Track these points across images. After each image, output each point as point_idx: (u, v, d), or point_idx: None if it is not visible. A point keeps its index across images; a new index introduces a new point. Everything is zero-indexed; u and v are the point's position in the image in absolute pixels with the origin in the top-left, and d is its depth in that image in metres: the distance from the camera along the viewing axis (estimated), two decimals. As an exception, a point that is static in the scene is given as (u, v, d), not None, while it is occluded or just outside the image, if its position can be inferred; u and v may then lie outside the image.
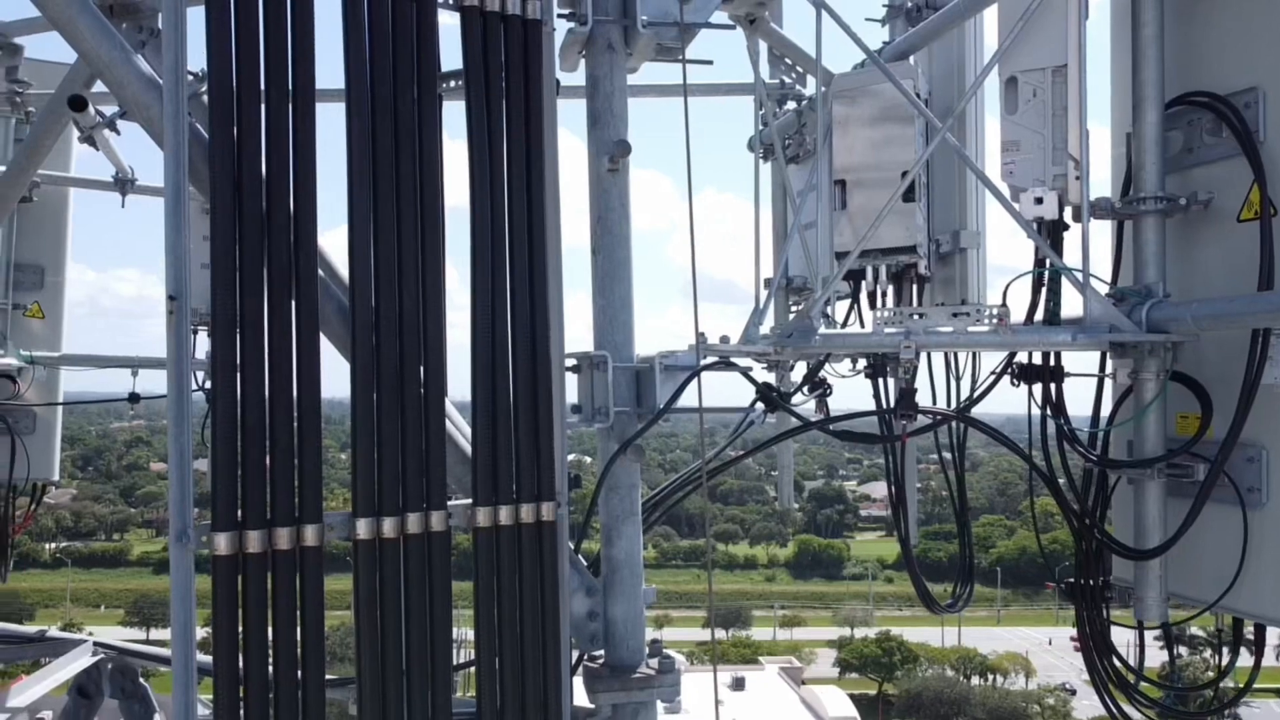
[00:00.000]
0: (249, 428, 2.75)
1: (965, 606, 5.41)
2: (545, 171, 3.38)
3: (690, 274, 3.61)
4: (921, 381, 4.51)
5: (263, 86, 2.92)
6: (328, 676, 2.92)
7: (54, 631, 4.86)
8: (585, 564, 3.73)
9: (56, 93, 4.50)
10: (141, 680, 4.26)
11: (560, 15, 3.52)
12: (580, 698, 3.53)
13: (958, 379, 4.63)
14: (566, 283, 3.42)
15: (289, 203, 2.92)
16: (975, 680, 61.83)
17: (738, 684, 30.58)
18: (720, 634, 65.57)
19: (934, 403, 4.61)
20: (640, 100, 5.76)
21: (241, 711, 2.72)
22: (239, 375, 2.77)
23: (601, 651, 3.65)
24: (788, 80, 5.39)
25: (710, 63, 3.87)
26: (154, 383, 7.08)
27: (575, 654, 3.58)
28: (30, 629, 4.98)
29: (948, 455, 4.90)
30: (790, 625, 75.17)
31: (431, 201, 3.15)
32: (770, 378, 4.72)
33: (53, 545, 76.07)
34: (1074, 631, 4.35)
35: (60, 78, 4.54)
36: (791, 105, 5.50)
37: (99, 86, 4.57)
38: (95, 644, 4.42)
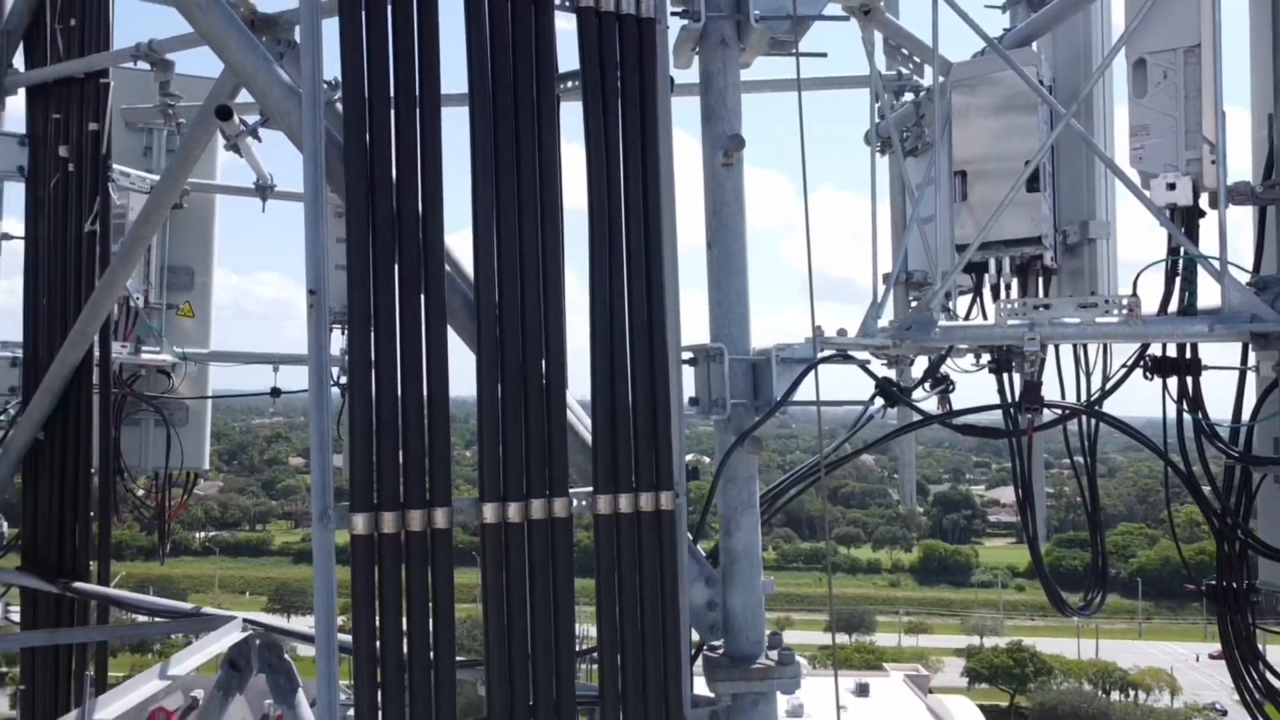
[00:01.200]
0: (383, 417, 2.91)
1: (1098, 611, 5.21)
2: (660, 168, 3.44)
3: (807, 271, 3.62)
4: (1049, 377, 4.39)
5: (392, 93, 3.08)
6: (458, 658, 3.05)
7: (207, 609, 5.22)
8: (704, 554, 3.77)
9: (204, 104, 4.82)
10: (286, 656, 4.51)
11: (673, 13, 3.58)
12: (700, 686, 3.57)
13: (1088, 374, 4.47)
14: (683, 278, 3.48)
15: (418, 203, 3.07)
16: (1115, 695, 59.02)
17: (861, 690, 30.10)
18: (843, 639, 64.50)
19: (1062, 397, 4.47)
20: (755, 97, 5.77)
21: (378, 685, 2.88)
22: (373, 368, 2.93)
23: (720, 641, 3.69)
24: (904, 71, 5.31)
25: (824, 55, 3.87)
26: (293, 380, 7.49)
27: (695, 642, 3.62)
28: (185, 605, 5.36)
29: (1079, 460, 4.73)
30: (915, 632, 73.34)
31: (551, 200, 3.26)
32: (890, 374, 4.66)
33: (202, 534, 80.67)
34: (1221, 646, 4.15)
35: (207, 90, 4.87)
36: (909, 96, 5.41)
37: (242, 97, 4.88)
38: (244, 620, 4.73)
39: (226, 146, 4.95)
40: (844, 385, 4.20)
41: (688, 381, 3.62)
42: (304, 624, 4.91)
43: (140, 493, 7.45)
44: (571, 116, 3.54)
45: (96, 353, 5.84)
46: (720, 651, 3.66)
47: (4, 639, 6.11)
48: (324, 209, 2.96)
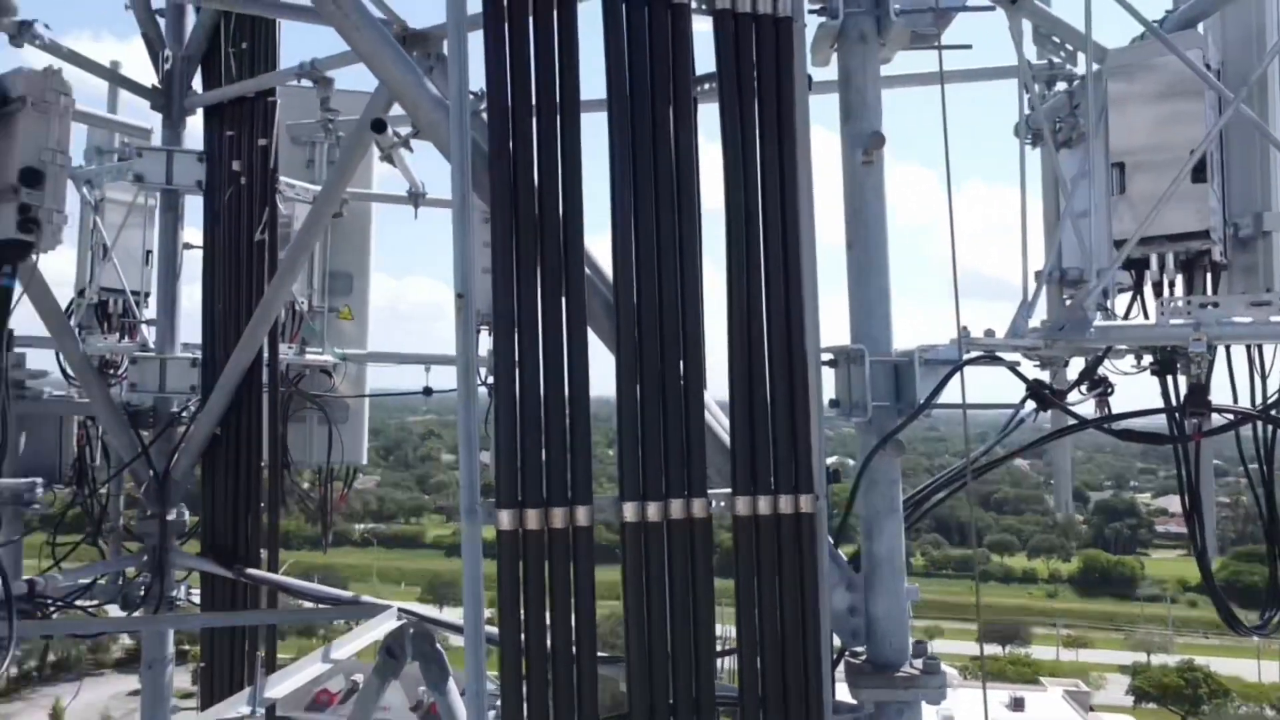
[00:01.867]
0: (526, 416, 3.00)
1: (1278, 630, 4.85)
2: (799, 167, 3.42)
3: (951, 266, 3.52)
4: (1219, 379, 4.12)
5: (534, 101, 3.18)
6: (600, 653, 3.12)
7: (366, 598, 5.50)
8: (845, 559, 3.72)
9: (361, 118, 5.08)
10: (438, 645, 4.70)
11: (811, 10, 3.55)
12: (842, 693, 3.52)
13: (1263, 376, 4.17)
14: (823, 278, 3.44)
15: (559, 208, 3.15)
16: (1300, 721, 54.59)
17: (1016, 704, 28.94)
18: (996, 650, 62.06)
19: (1234, 402, 4.18)
20: (896, 91, 5.64)
21: (523, 677, 2.97)
22: (517, 369, 3.03)
23: (863, 648, 3.63)
24: (1056, 60, 5.07)
25: (969, 47, 3.74)
26: (444, 379, 7.79)
27: (836, 648, 3.58)
28: (346, 594, 5.67)
29: (1255, 468, 4.41)
30: (1075, 646, 69.77)
31: (688, 201, 3.29)
32: (1043, 375, 4.47)
33: (361, 526, 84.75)
34: None
35: (364, 105, 5.13)
36: (1061, 86, 5.17)
37: (395, 110, 5.11)
38: (400, 610, 4.95)
39: (381, 158, 5.21)
40: (996, 387, 4.06)
41: (828, 383, 3.58)
42: (454, 615, 5.11)
43: (304, 485, 7.91)
44: (709, 117, 3.56)
45: (266, 354, 6.24)
46: (863, 658, 3.60)
47: (186, 619, 6.59)
48: (471, 215, 3.07)
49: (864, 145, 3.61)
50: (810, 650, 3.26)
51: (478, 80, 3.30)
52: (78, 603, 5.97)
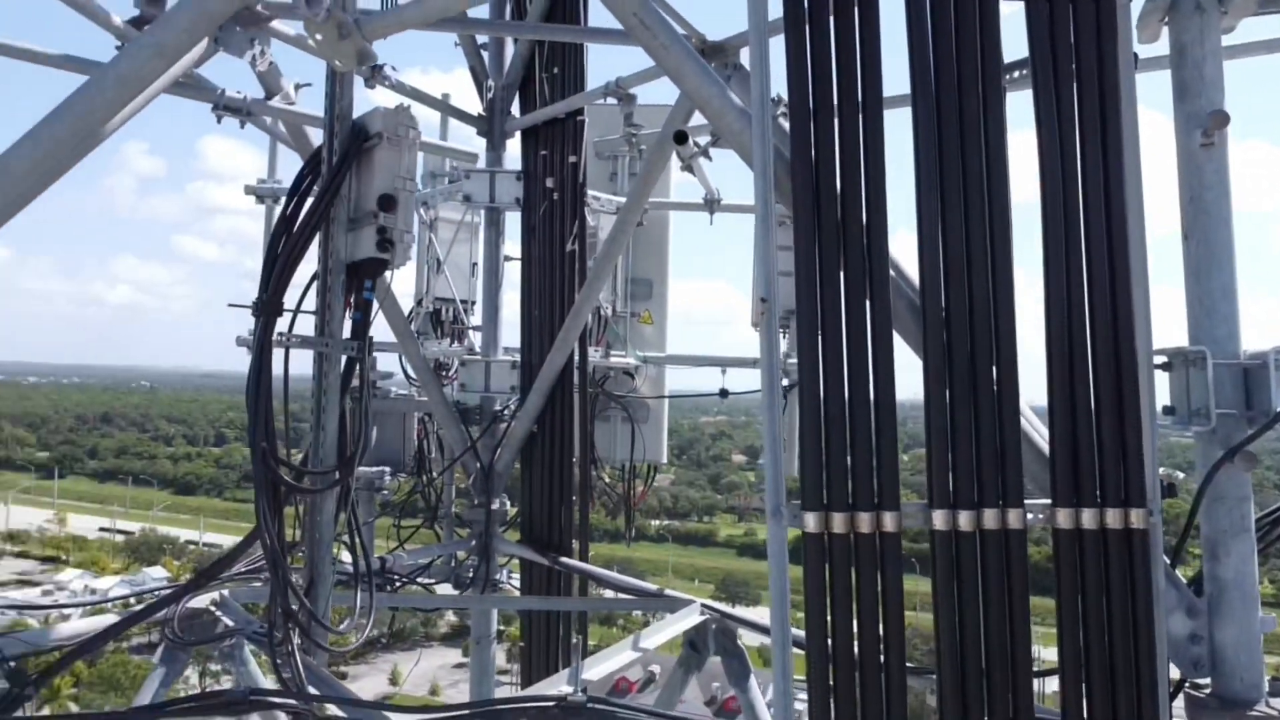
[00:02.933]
0: (831, 419, 2.99)
1: None
2: (1124, 154, 3.15)
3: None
4: None
5: (835, 102, 3.16)
6: (909, 664, 3.05)
7: (670, 591, 5.72)
8: (1184, 581, 3.38)
9: (662, 130, 5.29)
10: (740, 642, 4.80)
11: (1140, -17, 3.26)
12: (1179, 727, 3.21)
13: None
14: (1154, 273, 3.15)
15: (862, 210, 3.12)
16: None
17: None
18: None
19: None
20: (1235, 63, 5.03)
21: (830, 682, 2.97)
22: (821, 371, 3.03)
23: (1207, 680, 3.28)
24: None
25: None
26: (737, 381, 7.91)
27: (1174, 678, 3.26)
28: (651, 586, 5.92)
29: None
30: None
31: (999, 197, 3.13)
32: None
33: (657, 522, 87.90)
34: None
35: (663, 118, 5.34)
36: None
37: (692, 121, 5.27)
38: (702, 605, 5.11)
39: (682, 168, 5.39)
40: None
41: (1161, 388, 3.27)
42: (748, 614, 5.19)
43: (607, 481, 8.34)
44: (1018, 104, 3.38)
45: (576, 357, 6.66)
46: (1207, 691, 3.26)
47: (511, 600, 7.15)
48: (773, 220, 3.11)
49: (1202, 125, 3.27)
50: (1144, 678, 2.99)
51: (776, 85, 3.34)
52: (418, 580, 6.67)
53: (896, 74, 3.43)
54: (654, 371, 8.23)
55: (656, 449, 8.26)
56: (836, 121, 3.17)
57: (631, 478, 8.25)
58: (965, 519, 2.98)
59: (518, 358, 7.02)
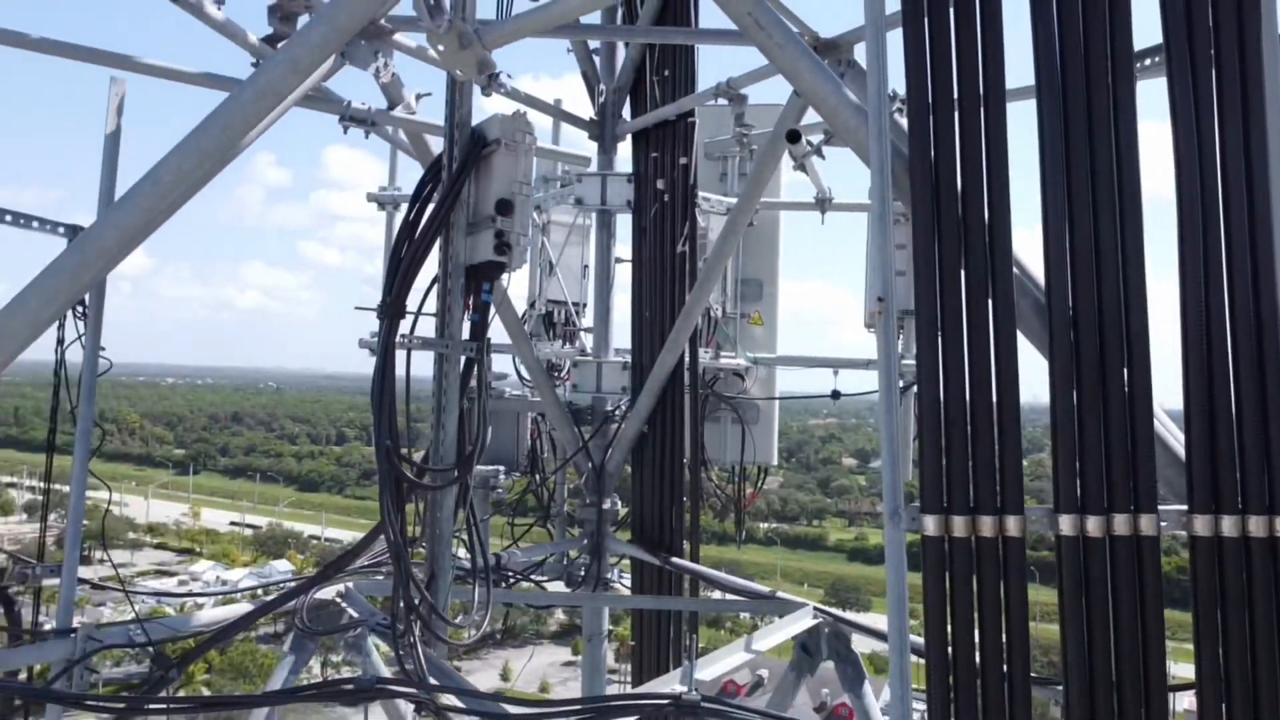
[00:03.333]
0: (952, 420, 2.93)
1: None
2: (1268, 143, 2.99)
3: None
4: None
5: (956, 96, 3.09)
6: (1033, 674, 2.96)
7: (781, 594, 5.67)
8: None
9: (774, 129, 5.25)
10: (854, 648, 4.73)
11: (1289, -42, 3.08)
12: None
13: None
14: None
15: (984, 206, 3.04)
16: None
17: None
18: None
19: None
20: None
21: (950, 690, 2.90)
22: (941, 372, 2.96)
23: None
24: None
25: None
26: (849, 383, 7.79)
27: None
28: (763, 588, 5.89)
29: None
30: None
31: (1130, 190, 3.01)
32: None
33: (766, 525, 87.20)
34: None
35: (773, 118, 5.30)
36: None
37: (804, 120, 5.22)
38: (815, 608, 5.05)
39: (795, 167, 5.34)
40: None
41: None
42: (859, 618, 5.10)
43: (715, 483, 8.32)
44: (1150, 93, 3.24)
45: (687, 358, 6.67)
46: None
47: (623, 599, 7.20)
48: (890, 219, 3.06)
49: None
50: (1291, 696, 2.83)
51: (892, 81, 3.28)
52: (532, 577, 6.79)
53: (1019, 66, 3.33)
54: (764, 373, 8.17)
55: (767, 451, 8.19)
56: (957, 116, 3.10)
57: (741, 479, 8.21)
58: (1094, 524, 2.87)
59: (628, 359, 7.07)
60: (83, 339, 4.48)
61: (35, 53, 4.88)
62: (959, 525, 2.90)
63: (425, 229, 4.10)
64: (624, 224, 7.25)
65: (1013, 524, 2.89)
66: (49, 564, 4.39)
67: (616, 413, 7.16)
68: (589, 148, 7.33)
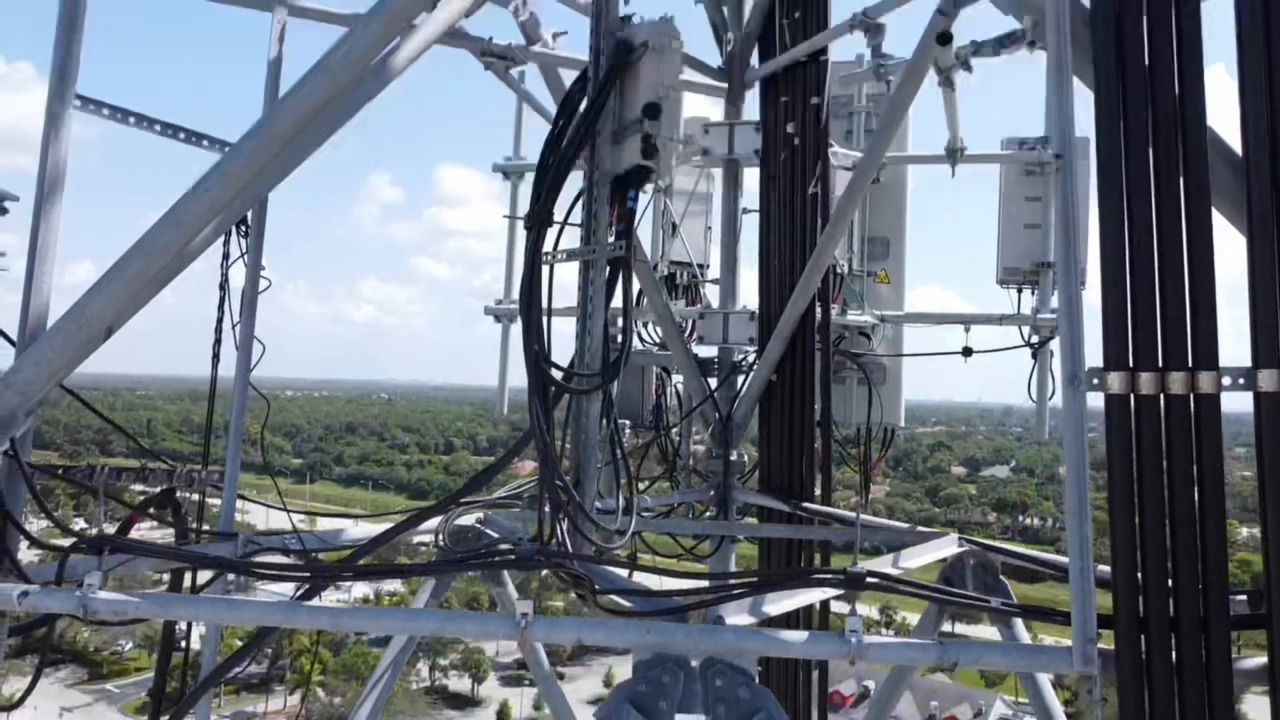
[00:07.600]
0: (1138, 269, 2.79)
1: None
2: None
3: None
4: None
5: None
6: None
7: (921, 528, 5.53)
8: None
9: (920, 38, 4.94)
10: (1003, 578, 4.56)
11: None
12: None
13: None
14: None
15: (1173, 53, 2.90)
16: None
17: None
18: None
19: None
20: None
21: (1139, 555, 2.76)
22: (1126, 221, 2.83)
23: None
24: None
25: None
26: (980, 339, 7.55)
27: None
28: (903, 525, 5.75)
29: None
30: None
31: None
32: None
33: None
34: None
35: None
36: None
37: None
38: (959, 538, 4.89)
39: (940, 81, 5.18)
40: None
41: None
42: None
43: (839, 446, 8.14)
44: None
45: (818, 314, 6.56)
46: None
47: (751, 528, 6.99)
48: (1069, 75, 2.94)
49: None
50: None
51: None
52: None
53: None
54: (891, 333, 8.00)
55: (894, 412, 8.00)
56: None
57: (869, 441, 8.03)
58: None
59: (755, 309, 7.02)
60: (245, 256, 4.67)
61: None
62: (1146, 382, 2.76)
63: (572, 137, 4.14)
64: (750, 180, 7.23)
65: (1206, 380, 2.74)
66: (214, 468, 4.59)
67: (743, 363, 7.11)
68: (704, 114, 7.31)
